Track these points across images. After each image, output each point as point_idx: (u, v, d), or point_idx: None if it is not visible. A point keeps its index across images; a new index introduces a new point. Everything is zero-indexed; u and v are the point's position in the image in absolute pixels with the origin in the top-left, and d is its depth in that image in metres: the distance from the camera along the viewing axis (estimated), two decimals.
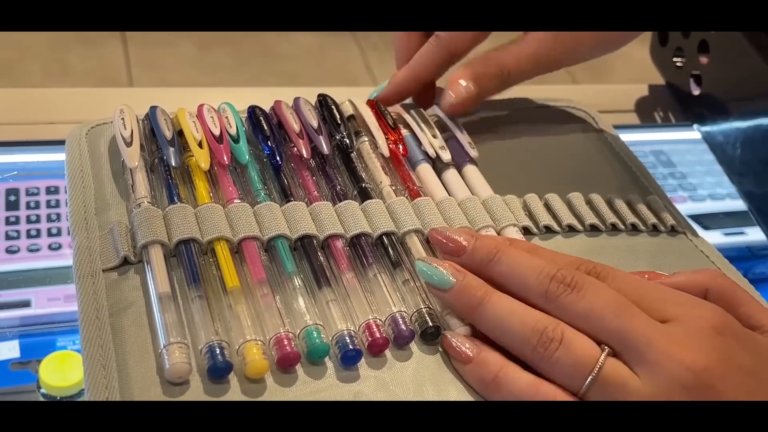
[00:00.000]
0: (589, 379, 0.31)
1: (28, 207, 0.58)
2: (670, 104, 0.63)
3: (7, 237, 0.56)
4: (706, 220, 0.65)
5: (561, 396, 0.31)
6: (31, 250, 0.56)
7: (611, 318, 0.32)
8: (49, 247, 0.56)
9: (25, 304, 0.52)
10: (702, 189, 0.68)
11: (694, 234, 0.45)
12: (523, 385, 0.32)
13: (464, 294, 0.34)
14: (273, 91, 0.45)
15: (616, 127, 0.53)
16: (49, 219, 0.57)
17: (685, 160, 0.70)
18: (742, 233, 0.62)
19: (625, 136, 0.53)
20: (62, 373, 0.48)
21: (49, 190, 0.58)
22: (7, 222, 0.57)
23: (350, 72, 1.71)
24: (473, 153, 0.44)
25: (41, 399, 0.49)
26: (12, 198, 0.58)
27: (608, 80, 1.68)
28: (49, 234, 0.57)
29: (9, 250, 0.55)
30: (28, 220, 0.57)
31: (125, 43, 1.66)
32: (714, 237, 0.64)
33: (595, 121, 0.51)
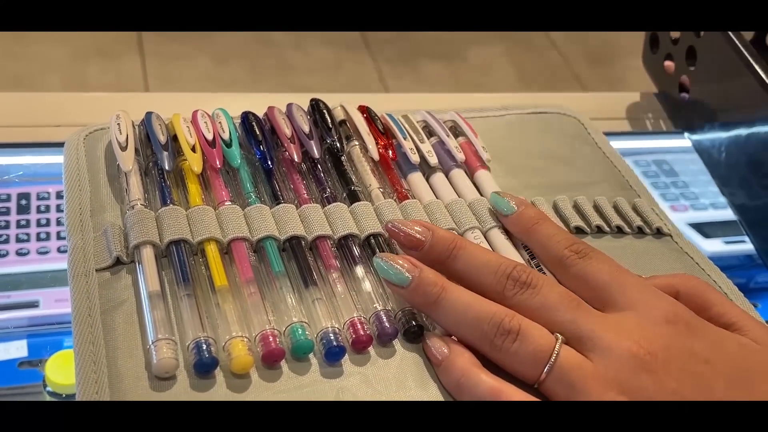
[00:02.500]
0: (547, 367, 0.32)
1: (38, 211, 0.59)
2: (661, 112, 0.64)
3: (18, 240, 0.57)
4: (708, 229, 0.65)
5: (523, 398, 0.32)
6: (40, 253, 0.57)
7: (564, 310, 0.34)
8: (58, 249, 0.57)
9: (34, 304, 0.54)
10: (704, 198, 0.68)
11: (680, 236, 0.45)
12: (483, 390, 0.33)
13: (420, 291, 0.35)
14: (286, 97, 0.47)
15: (609, 134, 0.53)
16: (58, 223, 0.58)
17: (688, 169, 0.70)
18: (743, 242, 0.62)
19: (620, 144, 0.54)
20: (67, 372, 0.49)
21: (60, 195, 0.60)
22: (18, 225, 0.58)
23: (365, 85, 1.72)
24: (460, 157, 0.45)
25: (47, 397, 0.50)
26: (23, 202, 0.59)
27: (619, 89, 1.68)
28: (59, 237, 0.58)
29: (19, 253, 0.57)
30: (38, 224, 0.59)
31: (143, 56, 1.68)
32: (715, 245, 0.64)
33: (585, 127, 0.52)
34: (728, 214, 0.60)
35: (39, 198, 0.60)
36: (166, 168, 0.40)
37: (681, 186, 0.69)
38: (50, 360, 0.50)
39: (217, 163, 0.41)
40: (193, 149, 0.41)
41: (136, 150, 0.41)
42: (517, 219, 0.40)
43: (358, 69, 1.76)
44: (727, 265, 0.60)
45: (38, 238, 0.58)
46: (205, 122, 0.43)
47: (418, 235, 0.37)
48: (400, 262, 0.36)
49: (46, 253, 0.57)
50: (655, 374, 0.32)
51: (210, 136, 0.42)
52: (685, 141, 0.63)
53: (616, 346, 0.32)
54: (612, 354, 0.32)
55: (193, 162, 0.40)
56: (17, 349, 0.52)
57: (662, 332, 0.33)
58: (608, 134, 0.53)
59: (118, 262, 0.37)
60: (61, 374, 0.49)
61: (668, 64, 0.63)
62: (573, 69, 1.81)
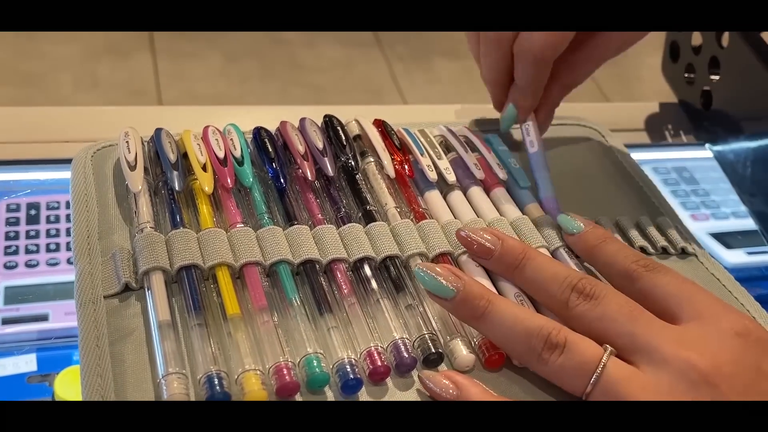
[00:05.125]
0: (593, 378, 0.32)
1: (48, 221, 0.58)
2: (682, 122, 0.62)
3: (27, 251, 0.56)
4: (729, 239, 0.64)
5: None
6: (50, 264, 0.56)
7: (623, 321, 0.33)
8: (68, 261, 0.57)
9: (43, 317, 0.53)
10: (725, 207, 0.66)
11: (705, 256, 0.44)
12: None
13: (466, 304, 0.35)
14: (300, 110, 0.46)
15: (629, 145, 0.52)
16: (68, 233, 0.57)
17: (708, 177, 0.68)
18: (765, 252, 0.61)
19: (640, 155, 0.52)
20: (76, 387, 0.48)
21: (69, 205, 0.59)
22: (27, 236, 0.57)
23: (376, 83, 1.71)
24: (479, 174, 0.44)
25: None
26: (32, 212, 0.58)
27: (637, 97, 1.66)
28: (68, 248, 0.57)
29: (28, 264, 0.56)
30: (48, 234, 0.58)
31: (154, 55, 1.68)
32: (737, 256, 0.62)
33: (606, 139, 0.51)
34: (750, 223, 0.59)
35: (48, 208, 0.59)
36: (176, 188, 0.39)
37: (702, 194, 0.68)
38: (59, 375, 0.49)
39: (229, 182, 0.40)
40: (204, 168, 0.40)
41: (146, 169, 0.40)
42: (584, 238, 0.39)
43: (369, 67, 1.75)
44: (749, 276, 0.59)
45: (48, 249, 0.57)
46: (216, 139, 0.41)
47: (488, 244, 0.37)
48: (439, 270, 0.35)
49: (55, 264, 0.57)
50: (716, 388, 0.30)
51: (221, 154, 0.41)
52: (706, 150, 0.62)
53: (673, 358, 0.31)
54: (668, 366, 0.31)
55: (204, 182, 0.39)
56: (26, 363, 0.51)
57: (730, 345, 0.32)
58: (628, 146, 0.52)
59: (126, 288, 0.36)
60: (70, 390, 0.49)
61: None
62: None
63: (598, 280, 0.35)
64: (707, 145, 0.61)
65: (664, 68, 0.64)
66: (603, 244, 0.38)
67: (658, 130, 0.63)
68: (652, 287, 0.35)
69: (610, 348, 0.32)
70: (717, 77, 0.57)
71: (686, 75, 0.62)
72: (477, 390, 0.33)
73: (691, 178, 0.68)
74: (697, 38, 0.60)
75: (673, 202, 0.57)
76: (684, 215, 0.62)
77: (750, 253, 0.62)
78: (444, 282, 0.35)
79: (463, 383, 0.33)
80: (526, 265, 0.36)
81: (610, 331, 0.33)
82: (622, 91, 1.69)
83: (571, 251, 0.40)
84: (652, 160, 0.67)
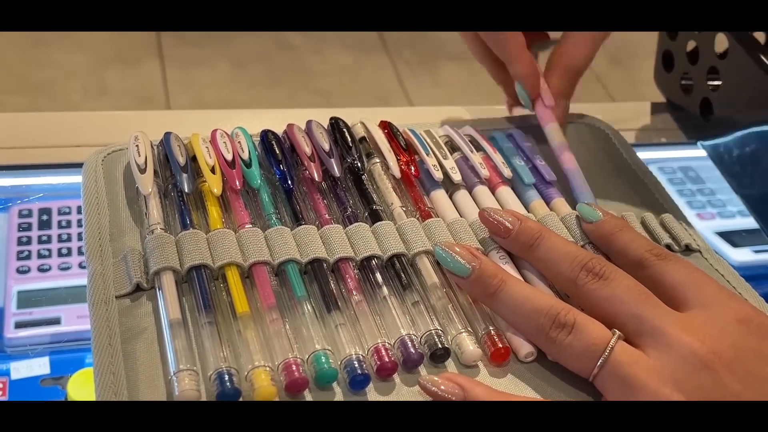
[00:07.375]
0: (600, 360, 0.32)
1: (59, 226, 0.59)
2: (677, 121, 0.63)
3: (39, 255, 0.57)
4: (735, 238, 0.64)
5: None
6: (62, 269, 0.57)
7: (631, 303, 0.34)
8: (80, 265, 0.57)
9: (56, 321, 0.54)
10: (731, 206, 0.67)
11: (710, 252, 0.44)
12: None
13: (481, 282, 0.36)
14: (307, 113, 0.46)
15: (635, 144, 0.52)
16: (79, 238, 0.58)
17: (714, 176, 0.69)
18: None
19: (646, 154, 0.53)
20: (89, 389, 0.49)
21: (81, 210, 0.59)
22: (40, 241, 0.58)
23: (383, 88, 1.72)
24: (484, 174, 0.44)
25: None
26: (44, 217, 0.59)
27: (643, 89, 1.66)
28: (80, 253, 0.58)
29: (41, 269, 0.56)
30: (60, 239, 0.58)
31: (162, 62, 1.69)
32: (743, 254, 0.63)
33: (612, 137, 0.51)
34: (755, 222, 0.59)
35: (60, 213, 0.60)
36: (186, 191, 0.40)
37: (708, 194, 0.68)
38: (72, 378, 0.50)
39: (237, 184, 0.40)
40: (213, 170, 0.40)
41: (155, 172, 0.41)
42: (602, 225, 0.40)
43: (376, 71, 1.75)
44: (756, 274, 0.59)
45: (59, 254, 0.58)
46: (225, 142, 0.42)
47: (507, 224, 0.38)
48: (458, 249, 0.37)
49: (67, 269, 0.57)
50: (716, 373, 0.31)
51: (229, 157, 0.41)
52: (700, 149, 0.62)
53: (677, 342, 0.32)
54: (672, 350, 0.32)
55: (213, 184, 0.40)
56: (39, 366, 0.52)
57: (731, 331, 0.33)
58: (634, 144, 0.52)
59: (138, 288, 0.36)
60: (83, 392, 0.49)
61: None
62: (593, 68, 1.79)
63: (609, 261, 0.36)
64: (699, 144, 0.61)
65: (657, 78, 0.64)
66: (619, 233, 0.39)
67: (664, 129, 0.63)
68: (662, 275, 0.36)
69: (618, 332, 0.33)
70: (716, 83, 0.57)
71: (683, 82, 0.62)
72: (481, 389, 0.33)
73: (697, 177, 0.69)
74: (691, 45, 0.60)
75: (679, 202, 0.57)
76: (690, 214, 0.62)
77: (757, 252, 0.63)
78: (461, 261, 0.36)
79: (467, 384, 0.33)
80: (540, 245, 0.37)
81: (618, 313, 0.34)
82: (630, 93, 1.69)
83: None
84: (658, 160, 0.67)
